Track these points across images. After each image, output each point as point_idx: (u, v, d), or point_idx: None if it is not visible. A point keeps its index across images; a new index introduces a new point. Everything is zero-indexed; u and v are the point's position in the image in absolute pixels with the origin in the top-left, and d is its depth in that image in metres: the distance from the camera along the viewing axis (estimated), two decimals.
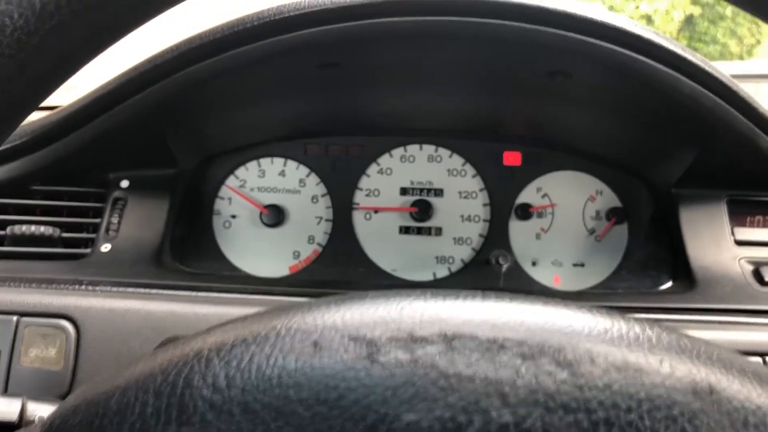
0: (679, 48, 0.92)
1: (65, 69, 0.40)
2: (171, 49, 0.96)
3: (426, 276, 1.25)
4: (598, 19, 0.89)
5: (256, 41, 0.92)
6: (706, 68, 0.92)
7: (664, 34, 0.93)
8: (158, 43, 0.97)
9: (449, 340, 0.33)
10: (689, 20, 10.69)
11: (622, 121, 1.15)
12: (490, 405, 0.30)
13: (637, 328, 0.37)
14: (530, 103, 1.16)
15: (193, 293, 0.94)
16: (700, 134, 1.05)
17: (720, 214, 1.10)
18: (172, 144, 1.12)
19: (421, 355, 0.32)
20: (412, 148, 1.28)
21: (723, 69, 0.94)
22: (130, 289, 0.94)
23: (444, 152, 1.28)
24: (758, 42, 10.94)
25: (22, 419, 0.67)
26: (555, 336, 0.34)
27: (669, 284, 1.12)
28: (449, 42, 0.93)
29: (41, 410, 0.69)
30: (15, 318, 0.87)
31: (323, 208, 1.27)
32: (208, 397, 0.32)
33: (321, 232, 1.26)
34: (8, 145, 1.04)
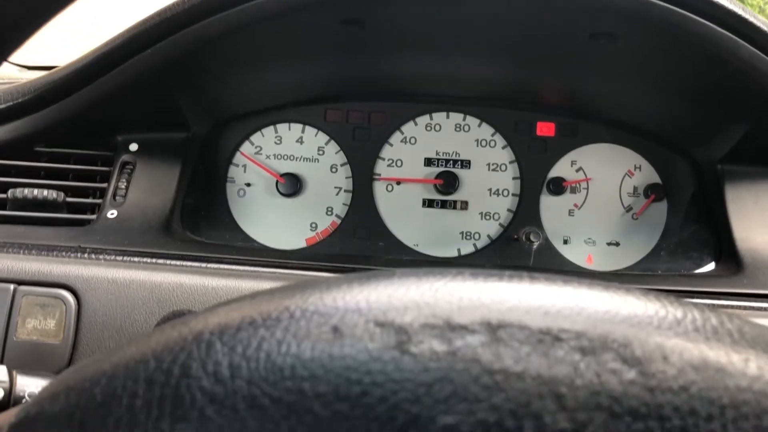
0: (739, 8, 0.83)
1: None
2: (181, 2, 0.89)
3: (450, 252, 1.19)
4: None
5: None
6: None
7: None
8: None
9: (494, 329, 0.29)
10: None
11: (667, 92, 1.07)
12: (544, 408, 0.26)
13: (714, 320, 0.32)
14: (568, 69, 1.09)
15: (203, 264, 0.89)
16: (753, 106, 0.97)
17: None
18: (183, 106, 1.06)
19: (460, 347, 0.28)
20: (439, 116, 1.21)
21: None
22: (136, 259, 0.88)
23: (472, 121, 1.21)
24: None
25: (11, 396, 0.62)
26: (620, 327, 0.29)
27: (712, 267, 1.05)
28: None
29: (33, 385, 0.64)
30: (12, 287, 0.82)
31: (342, 178, 1.20)
32: (209, 388, 0.28)
33: (340, 204, 1.20)
34: (11, 103, 0.99)
